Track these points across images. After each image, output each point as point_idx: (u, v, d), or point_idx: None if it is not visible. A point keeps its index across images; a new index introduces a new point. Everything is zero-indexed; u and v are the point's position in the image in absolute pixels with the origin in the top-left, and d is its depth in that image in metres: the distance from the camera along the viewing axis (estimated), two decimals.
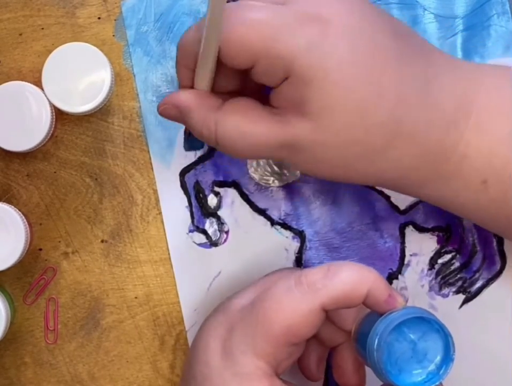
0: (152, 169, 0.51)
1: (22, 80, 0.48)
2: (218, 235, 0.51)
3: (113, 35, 0.51)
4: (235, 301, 0.44)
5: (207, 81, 0.42)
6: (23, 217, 0.48)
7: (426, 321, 0.39)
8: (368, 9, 0.41)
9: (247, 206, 0.51)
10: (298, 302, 0.40)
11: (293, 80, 0.39)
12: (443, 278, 0.51)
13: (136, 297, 0.51)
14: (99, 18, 0.51)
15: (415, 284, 0.51)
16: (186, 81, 0.43)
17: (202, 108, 0.42)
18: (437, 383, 0.39)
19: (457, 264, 0.51)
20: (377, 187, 0.51)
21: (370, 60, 0.39)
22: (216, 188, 0.51)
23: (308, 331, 0.40)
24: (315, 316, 0.40)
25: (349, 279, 0.40)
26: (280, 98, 0.40)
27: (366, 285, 0.40)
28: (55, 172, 0.51)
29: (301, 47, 0.38)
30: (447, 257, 0.51)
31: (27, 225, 0.48)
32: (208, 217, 0.51)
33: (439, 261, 0.51)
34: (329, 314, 0.42)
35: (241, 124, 0.41)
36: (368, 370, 0.43)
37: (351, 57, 0.39)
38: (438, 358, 0.40)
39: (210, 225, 0.51)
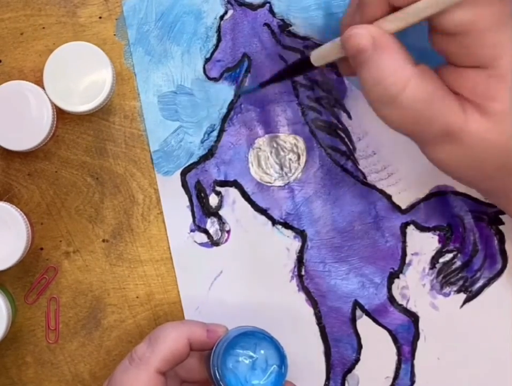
0: (153, 168, 0.51)
1: (23, 80, 0.48)
2: (220, 235, 0.51)
3: (114, 34, 0.51)
4: None
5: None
6: (24, 216, 0.48)
7: (250, 335, 0.44)
8: None
9: (248, 206, 0.51)
10: (136, 375, 0.43)
11: (491, 73, 0.36)
12: (444, 277, 0.51)
13: (137, 297, 0.51)
14: (100, 17, 0.51)
15: (417, 284, 0.51)
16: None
17: (400, 55, 0.37)
18: (283, 381, 0.44)
19: (458, 263, 0.51)
20: (378, 187, 0.51)
21: None
22: (217, 188, 0.51)
23: None
24: (155, 381, 0.43)
25: (168, 337, 0.44)
26: (460, 81, 0.38)
27: (184, 335, 0.44)
28: (56, 171, 0.51)
29: None
30: (448, 256, 0.51)
31: (28, 225, 0.48)
32: (209, 217, 0.51)
33: (441, 260, 0.51)
34: (181, 376, 0.47)
35: (432, 93, 0.37)
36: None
37: None
38: (276, 360, 0.44)
39: (211, 225, 0.51)
